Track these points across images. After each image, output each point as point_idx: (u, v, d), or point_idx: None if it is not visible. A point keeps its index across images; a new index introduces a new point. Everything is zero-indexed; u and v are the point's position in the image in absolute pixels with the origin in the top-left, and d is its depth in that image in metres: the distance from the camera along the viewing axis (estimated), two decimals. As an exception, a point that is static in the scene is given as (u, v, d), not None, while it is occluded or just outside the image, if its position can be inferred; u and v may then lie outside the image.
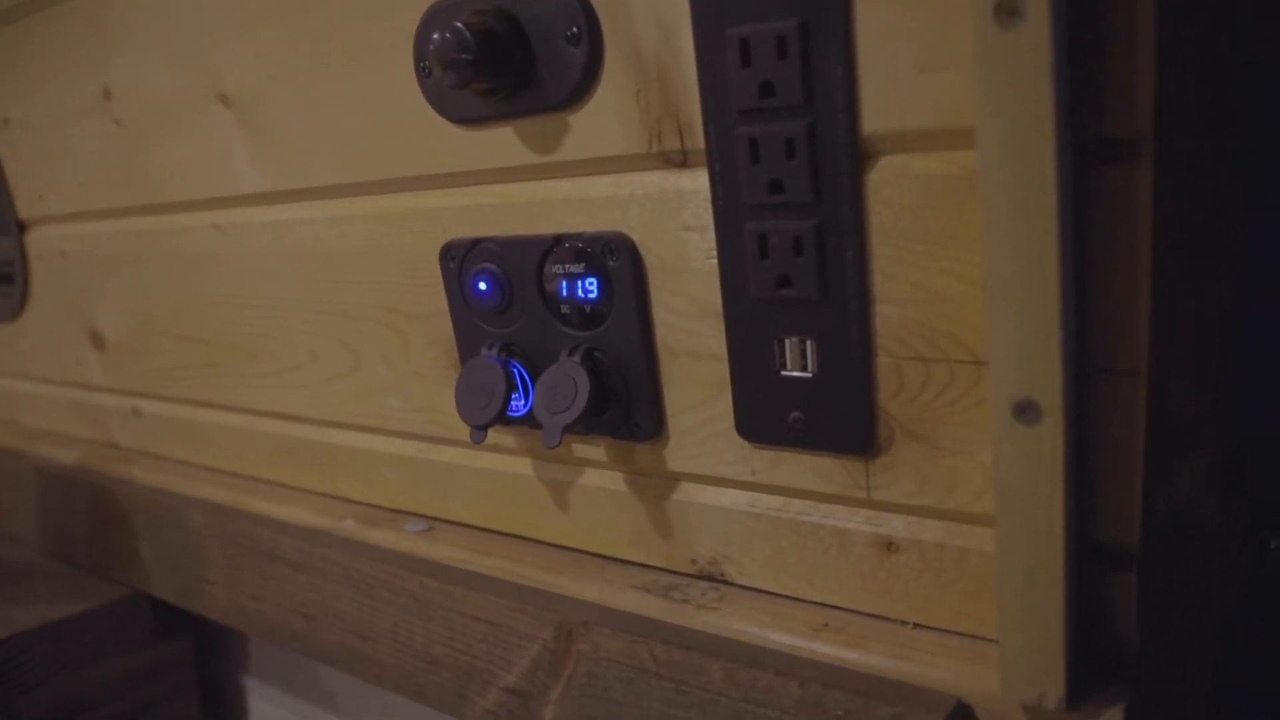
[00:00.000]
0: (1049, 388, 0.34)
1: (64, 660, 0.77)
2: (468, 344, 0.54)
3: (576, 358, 0.48)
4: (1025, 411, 0.34)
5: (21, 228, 0.88)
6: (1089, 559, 0.40)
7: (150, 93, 0.67)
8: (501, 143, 0.49)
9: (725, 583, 0.51)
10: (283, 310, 0.65)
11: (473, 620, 0.54)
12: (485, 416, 0.51)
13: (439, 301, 0.55)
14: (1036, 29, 0.30)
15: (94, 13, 0.67)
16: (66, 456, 0.90)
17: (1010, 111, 0.31)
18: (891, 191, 0.39)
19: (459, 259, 0.52)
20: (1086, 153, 0.34)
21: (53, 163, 0.79)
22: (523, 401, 0.52)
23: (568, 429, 0.48)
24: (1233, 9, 0.31)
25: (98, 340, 0.85)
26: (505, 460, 0.57)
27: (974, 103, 0.32)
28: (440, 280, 0.54)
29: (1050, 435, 0.34)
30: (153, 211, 0.72)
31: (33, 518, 0.91)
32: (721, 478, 0.49)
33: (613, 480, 0.53)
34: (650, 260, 0.46)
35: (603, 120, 0.45)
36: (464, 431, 0.52)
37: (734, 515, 0.49)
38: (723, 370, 0.46)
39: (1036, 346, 0.33)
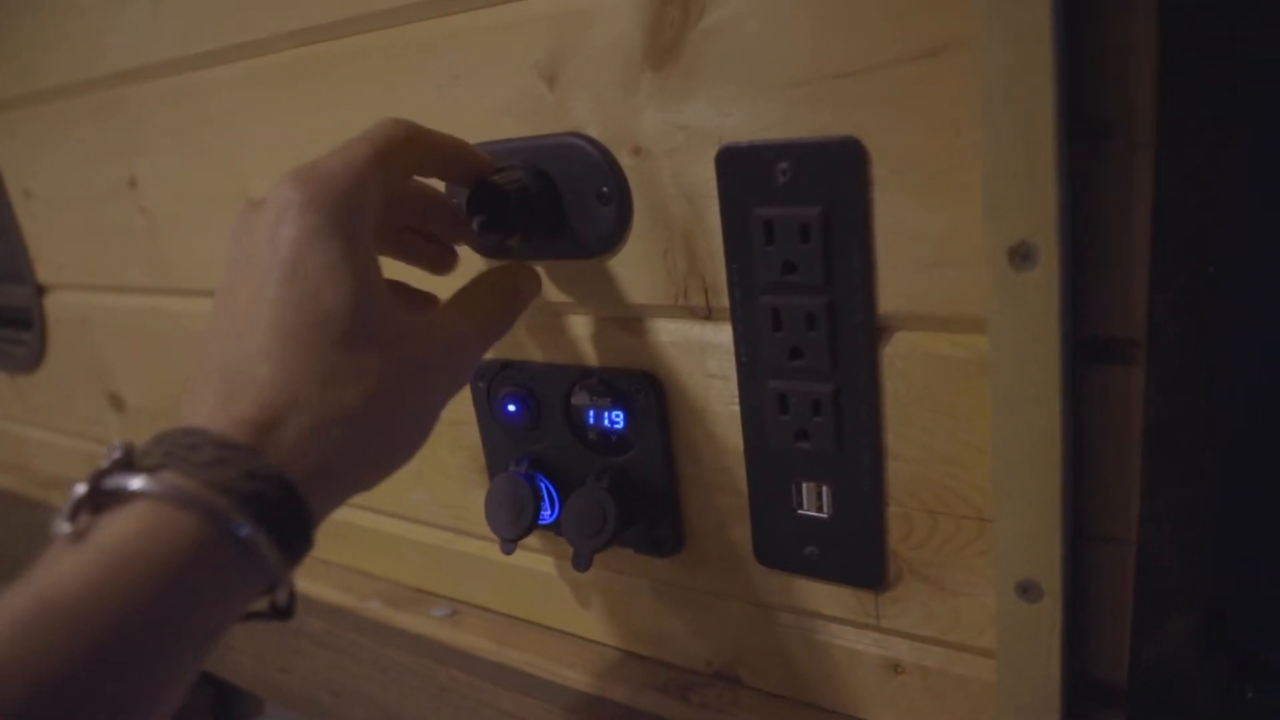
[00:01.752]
0: (1049, 571, 0.37)
1: None
2: (496, 457, 0.57)
3: (605, 483, 0.51)
4: (1028, 591, 0.38)
5: (40, 289, 0.90)
6: (1081, 694, 0.43)
7: (177, 188, 0.69)
8: (531, 278, 0.52)
9: (740, 684, 0.54)
10: (309, 400, 0.68)
11: (500, 714, 0.57)
12: (516, 531, 0.54)
13: (466, 413, 0.58)
14: (1046, 271, 0.33)
15: (125, 108, 0.69)
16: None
17: (1020, 338, 0.34)
18: (905, 365, 0.42)
19: (489, 379, 0.55)
20: (1088, 353, 0.37)
21: (75, 238, 0.81)
22: (550, 511, 0.55)
23: (597, 551, 0.51)
24: (1219, 242, 0.34)
25: (117, 403, 0.87)
26: (530, 557, 0.61)
27: (989, 324, 0.35)
28: (468, 393, 0.57)
29: (1049, 611, 0.38)
30: (176, 294, 0.74)
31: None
32: (738, 594, 0.52)
33: (634, 585, 0.56)
34: (674, 399, 0.49)
35: (631, 271, 0.48)
36: (489, 528, 0.55)
37: (749, 625, 0.52)
38: (742, 503, 0.49)
39: (1039, 534, 0.37)
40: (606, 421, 0.51)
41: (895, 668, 0.48)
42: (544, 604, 0.61)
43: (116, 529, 0.30)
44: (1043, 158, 0.32)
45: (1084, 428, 0.39)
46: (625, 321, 0.50)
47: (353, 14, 0.52)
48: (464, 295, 0.43)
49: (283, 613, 0.35)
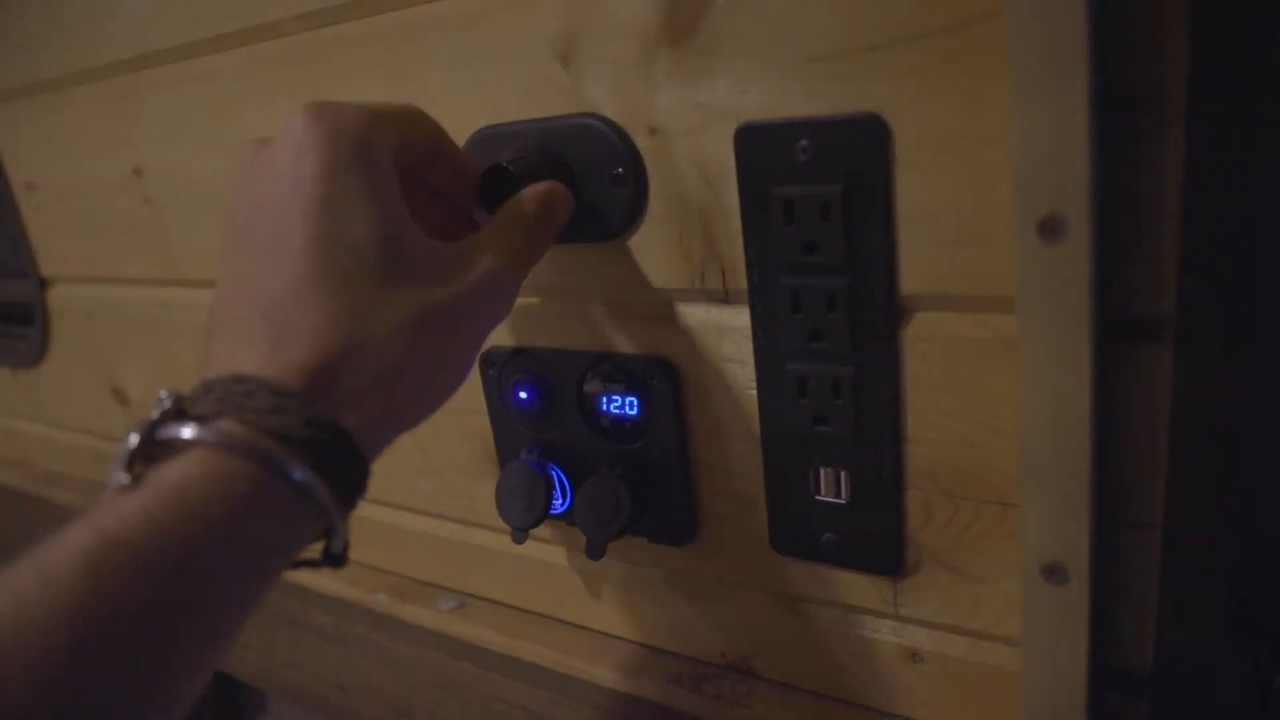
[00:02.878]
0: (1076, 554, 0.36)
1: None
2: (506, 445, 0.57)
3: (618, 471, 0.51)
4: (1054, 573, 0.37)
5: (43, 282, 0.89)
6: (1106, 682, 0.43)
7: (182, 177, 0.68)
8: (545, 262, 0.51)
9: (754, 676, 0.54)
10: (316, 391, 0.67)
11: (511, 707, 0.57)
12: (528, 520, 0.53)
13: (476, 400, 0.57)
14: (1077, 245, 0.32)
15: (130, 95, 0.68)
16: (87, 505, 0.92)
17: (1050, 315, 0.34)
18: (926, 346, 0.41)
19: (499, 366, 0.54)
20: (1116, 332, 0.37)
21: (79, 230, 0.80)
22: (561, 500, 0.54)
23: (610, 540, 0.50)
24: (1251, 220, 0.34)
25: (120, 397, 0.87)
26: (540, 548, 0.60)
27: (1016, 301, 0.34)
28: (477, 380, 0.56)
29: (1076, 594, 0.37)
30: (180, 285, 0.74)
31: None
32: (753, 583, 0.51)
33: (647, 575, 0.56)
34: (690, 385, 0.49)
35: (647, 254, 0.47)
36: (497, 517, 0.55)
37: (764, 615, 0.52)
38: (758, 489, 0.48)
39: (1067, 516, 0.36)
40: (620, 408, 0.51)
41: (913, 656, 0.47)
42: (554, 596, 0.61)
43: (177, 473, 0.30)
44: (1075, 129, 0.31)
45: (1112, 410, 0.38)
46: (640, 305, 0.49)
47: (363, -5, 0.51)
48: (500, 220, 0.41)
49: (337, 559, 0.35)
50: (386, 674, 0.63)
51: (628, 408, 0.50)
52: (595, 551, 0.50)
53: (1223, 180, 0.34)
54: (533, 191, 0.43)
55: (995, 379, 0.40)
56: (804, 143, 0.40)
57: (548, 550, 0.60)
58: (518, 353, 0.54)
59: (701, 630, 0.54)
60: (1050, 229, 0.32)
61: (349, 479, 0.33)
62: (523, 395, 0.53)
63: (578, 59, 0.46)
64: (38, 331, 0.92)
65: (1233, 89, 0.34)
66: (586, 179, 0.47)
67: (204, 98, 0.64)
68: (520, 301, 0.54)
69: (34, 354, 0.94)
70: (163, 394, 0.32)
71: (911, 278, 0.40)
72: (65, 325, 0.89)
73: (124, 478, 0.30)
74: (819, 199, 0.40)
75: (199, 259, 0.71)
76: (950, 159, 0.38)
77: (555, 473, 0.54)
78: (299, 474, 0.31)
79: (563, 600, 0.60)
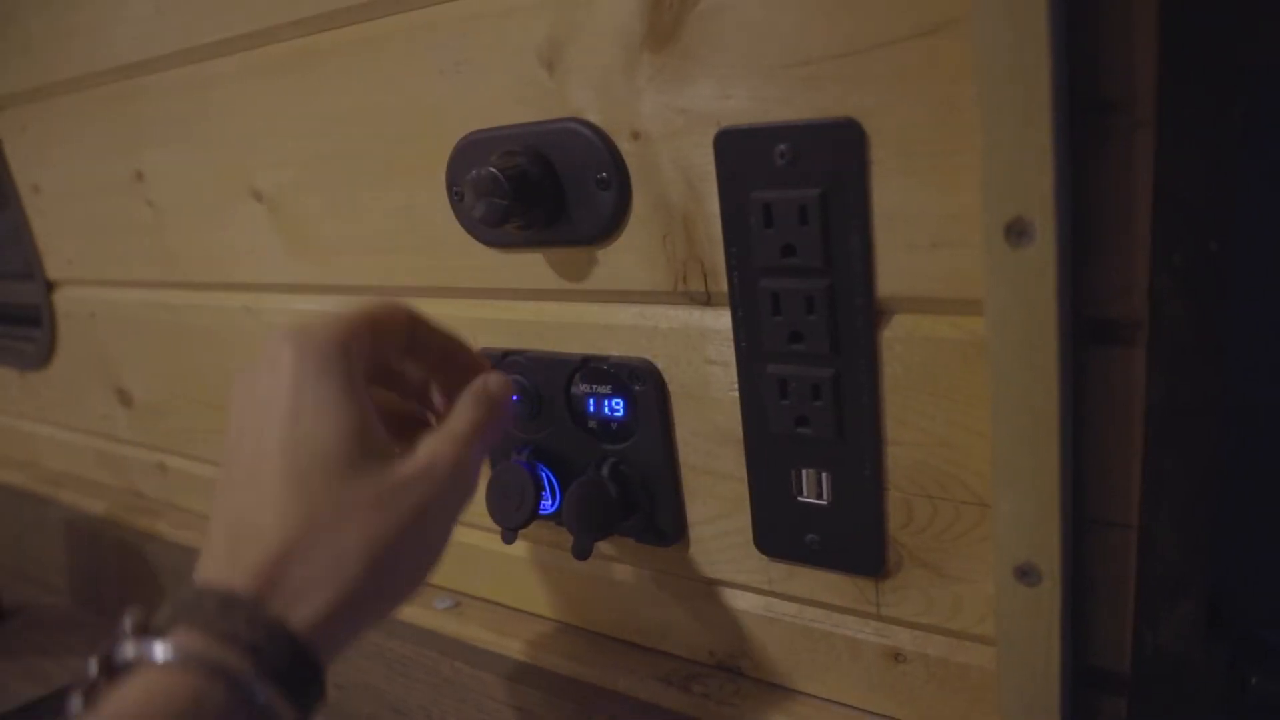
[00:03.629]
0: (1048, 554, 0.37)
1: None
2: (497, 446, 0.57)
3: (605, 471, 0.51)
4: (1026, 574, 0.37)
5: (50, 285, 0.90)
6: (1083, 682, 0.43)
7: (183, 180, 0.69)
8: (531, 267, 0.52)
9: (741, 675, 0.54)
10: (313, 392, 0.68)
11: (504, 706, 0.57)
12: (517, 520, 0.54)
13: (469, 402, 0.58)
14: (1043, 249, 0.33)
15: (131, 101, 0.69)
16: (94, 506, 0.93)
17: (1017, 317, 0.34)
18: (903, 348, 0.41)
19: (489, 368, 0.55)
20: (1088, 334, 0.37)
21: (83, 232, 0.81)
22: (550, 501, 0.55)
23: (596, 540, 0.51)
24: (1225, 221, 0.34)
25: (125, 398, 0.88)
26: (531, 549, 0.60)
27: (985, 303, 0.35)
28: (470, 382, 0.57)
29: (1049, 595, 0.37)
30: (182, 287, 0.75)
31: (62, 567, 0.94)
32: (739, 583, 0.52)
33: (635, 575, 0.56)
34: (674, 387, 0.49)
35: (631, 258, 0.48)
36: (490, 518, 0.55)
37: (750, 616, 0.52)
38: (742, 490, 0.49)
39: (1038, 517, 0.37)
40: (607, 410, 0.51)
41: (896, 656, 0.48)
42: (545, 595, 0.61)
43: (128, 699, 0.31)
44: (1039, 133, 0.32)
45: (1085, 411, 0.38)
46: (625, 308, 0.50)
47: (357, 1, 0.52)
48: (456, 406, 0.43)
49: None
50: (381, 673, 0.64)
51: (614, 409, 0.51)
52: (581, 552, 0.51)
53: (1195, 181, 0.35)
54: (470, 386, 0.44)
55: (971, 381, 0.40)
56: (782, 147, 0.41)
57: (538, 551, 0.60)
58: (507, 355, 0.54)
59: (689, 630, 0.55)
60: (1017, 232, 0.33)
61: (299, 679, 0.33)
62: (512, 397, 0.54)
63: (562, 64, 0.46)
64: (45, 334, 0.94)
65: (1204, 91, 0.34)
66: (572, 183, 0.47)
67: (205, 102, 0.64)
68: (509, 305, 0.54)
69: (41, 356, 0.96)
70: (128, 612, 0.34)
71: (889, 280, 0.41)
72: (71, 327, 0.90)
73: (78, 704, 0.31)
74: (797, 202, 0.41)
75: (200, 261, 0.72)
76: (926, 163, 0.38)
77: (545, 474, 0.54)
78: (246, 679, 0.32)
79: (553, 599, 0.61)
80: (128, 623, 0.33)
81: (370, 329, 0.40)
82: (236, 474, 0.37)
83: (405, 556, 0.37)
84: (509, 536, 0.54)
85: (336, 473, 0.36)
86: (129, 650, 0.32)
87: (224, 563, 0.34)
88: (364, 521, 0.35)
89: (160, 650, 0.32)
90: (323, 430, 0.36)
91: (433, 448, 0.39)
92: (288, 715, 0.33)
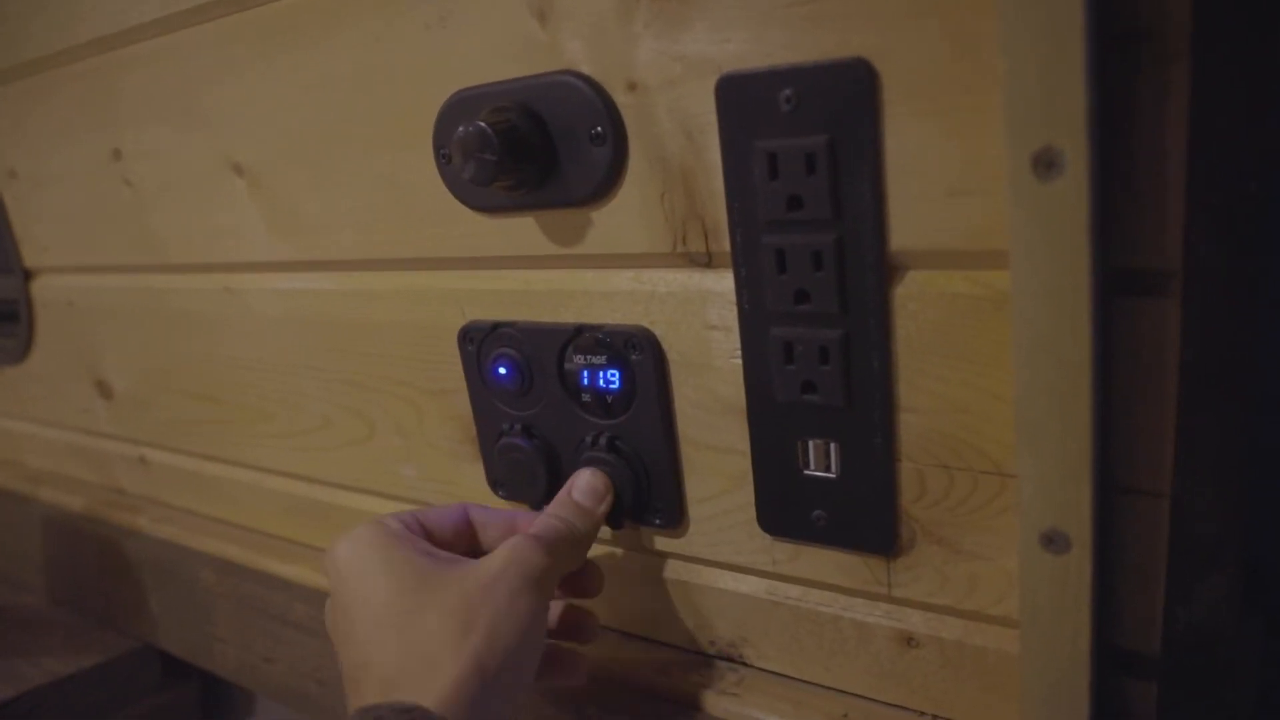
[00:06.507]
0: (1078, 520, 0.34)
1: (73, 716, 0.77)
2: (486, 423, 0.54)
3: (601, 447, 0.49)
4: (1054, 541, 0.35)
5: (27, 275, 0.87)
6: (1111, 665, 0.40)
7: (162, 157, 0.67)
8: (522, 232, 0.49)
9: (744, 664, 0.51)
10: (294, 376, 0.66)
11: (492, 698, 0.54)
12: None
13: (456, 380, 0.55)
14: (1074, 182, 0.30)
15: (107, 76, 0.66)
16: (73, 503, 0.90)
17: (1046, 261, 0.31)
18: (917, 306, 0.39)
19: (478, 342, 0.52)
20: (1117, 285, 0.34)
21: (60, 217, 0.79)
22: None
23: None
24: (1261, 157, 0.32)
25: (105, 389, 0.85)
26: (522, 535, 0.58)
27: (1009, 246, 0.32)
28: (457, 358, 0.54)
29: (1078, 564, 0.35)
30: (162, 270, 0.72)
31: (40, 565, 0.91)
32: (741, 566, 0.49)
33: (632, 561, 0.53)
34: (673, 355, 0.46)
35: (627, 218, 0.45)
36: (478, 500, 0.52)
37: (753, 601, 0.49)
38: (745, 464, 0.46)
39: (1067, 478, 0.34)
40: (602, 382, 0.49)
41: (908, 641, 0.45)
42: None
43: None
44: (1070, 53, 0.29)
45: (1112, 369, 0.36)
46: (620, 273, 0.47)
47: (337, -43, 0.50)
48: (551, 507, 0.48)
49: None
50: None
51: (609, 381, 0.48)
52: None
53: (1233, 117, 0.32)
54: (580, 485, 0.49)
55: (991, 341, 0.38)
56: (787, 92, 0.38)
57: (531, 536, 0.57)
58: (496, 327, 0.52)
59: (689, 618, 0.52)
60: (1046, 164, 0.30)
61: None
62: (502, 371, 0.51)
63: (555, 14, 0.44)
64: (23, 327, 0.91)
65: (1243, 20, 0.32)
66: (564, 139, 0.45)
67: (182, 74, 0.62)
68: (498, 274, 0.52)
69: (20, 351, 0.93)
70: None
71: (902, 233, 0.38)
72: (49, 317, 0.87)
73: None
74: (803, 150, 0.38)
75: (182, 243, 0.69)
76: (941, 104, 0.35)
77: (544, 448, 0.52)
78: None
79: (547, 589, 0.58)
80: None
81: (414, 515, 0.47)
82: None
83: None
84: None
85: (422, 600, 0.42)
86: None
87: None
88: (448, 615, 0.41)
89: None
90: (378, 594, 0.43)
91: (508, 544, 0.44)
92: None
